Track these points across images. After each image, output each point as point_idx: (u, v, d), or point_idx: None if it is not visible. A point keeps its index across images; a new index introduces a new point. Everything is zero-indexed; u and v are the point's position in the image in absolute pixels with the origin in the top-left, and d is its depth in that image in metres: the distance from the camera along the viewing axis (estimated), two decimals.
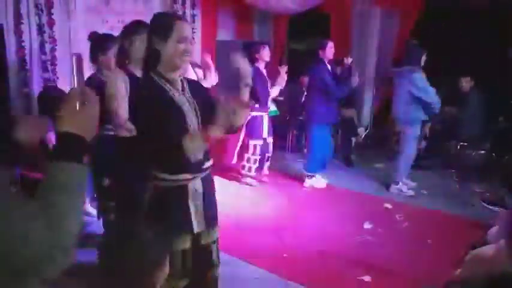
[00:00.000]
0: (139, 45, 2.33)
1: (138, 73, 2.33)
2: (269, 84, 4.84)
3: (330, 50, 4.67)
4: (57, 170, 0.93)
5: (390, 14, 6.41)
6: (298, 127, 6.26)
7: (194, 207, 1.91)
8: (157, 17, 1.89)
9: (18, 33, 4.22)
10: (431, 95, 4.44)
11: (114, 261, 2.04)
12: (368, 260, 3.30)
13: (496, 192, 4.65)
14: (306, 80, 6.14)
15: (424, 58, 4.52)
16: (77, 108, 0.96)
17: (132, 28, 2.42)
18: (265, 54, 4.76)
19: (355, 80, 4.56)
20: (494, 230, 2.27)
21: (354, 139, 6.38)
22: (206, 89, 2.12)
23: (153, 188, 1.91)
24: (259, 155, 4.84)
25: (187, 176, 1.88)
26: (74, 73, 0.96)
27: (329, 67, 4.73)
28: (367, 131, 6.70)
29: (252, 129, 4.79)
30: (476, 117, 5.30)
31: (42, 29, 4.35)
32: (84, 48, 4.58)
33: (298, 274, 3.09)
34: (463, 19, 5.78)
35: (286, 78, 4.76)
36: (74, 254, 0.91)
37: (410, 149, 4.71)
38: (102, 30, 4.65)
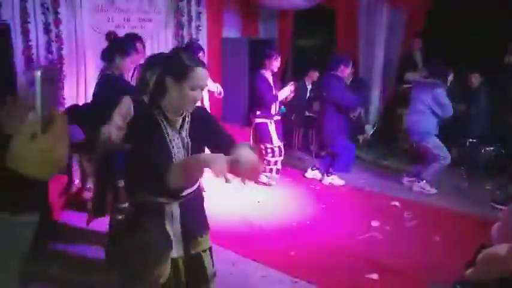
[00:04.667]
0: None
1: None
2: (274, 91, 4.69)
3: (349, 70, 4.91)
4: None
5: (398, 11, 6.36)
6: (305, 124, 6.23)
7: (172, 231, 1.84)
8: (175, 57, 1.76)
9: (25, 32, 4.24)
10: (449, 111, 4.50)
11: (120, 258, 2.02)
12: (376, 258, 3.27)
13: (506, 189, 4.60)
14: (314, 74, 6.12)
15: (450, 78, 4.58)
16: (33, 138, 0.68)
17: (158, 60, 2.32)
18: (275, 64, 4.63)
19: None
20: (496, 227, 2.22)
21: (361, 137, 6.36)
22: (213, 120, 2.00)
23: (131, 203, 1.88)
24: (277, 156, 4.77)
25: (163, 200, 1.83)
26: (37, 92, 0.70)
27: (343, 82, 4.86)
28: (375, 128, 6.66)
29: (261, 135, 4.72)
30: (486, 113, 5.24)
31: (49, 28, 4.37)
32: (90, 46, 4.65)
33: (305, 272, 3.07)
34: (472, 14, 5.73)
35: (291, 93, 4.79)
36: None
37: (443, 153, 4.62)
38: (108, 28, 4.68)
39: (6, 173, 0.67)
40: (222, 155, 1.62)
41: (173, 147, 1.78)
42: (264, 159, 4.73)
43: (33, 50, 4.32)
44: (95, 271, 2.84)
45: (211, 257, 2.00)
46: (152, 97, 1.77)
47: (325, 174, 5.00)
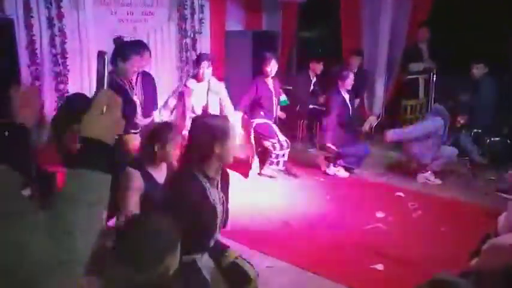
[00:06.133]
0: (168, 149, 2.30)
1: (157, 175, 2.32)
2: (274, 94, 4.79)
3: (349, 81, 4.93)
4: (75, 178, 0.85)
5: (403, 0, 6.30)
6: (309, 116, 6.21)
7: (209, 275, 1.98)
8: (216, 121, 1.94)
9: (29, 26, 4.24)
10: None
11: (128, 248, 2.05)
12: (380, 249, 3.29)
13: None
14: (318, 67, 6.09)
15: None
16: (103, 111, 0.90)
17: (164, 131, 2.34)
18: (271, 67, 4.67)
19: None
20: (502, 217, 2.22)
21: (364, 128, 6.33)
22: (229, 180, 2.17)
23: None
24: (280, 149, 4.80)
25: (197, 255, 1.98)
26: (106, 72, 0.90)
27: (346, 96, 4.96)
28: (379, 119, 6.62)
29: (265, 132, 4.76)
30: (490, 103, 5.21)
31: (52, 22, 4.36)
32: (93, 40, 4.64)
33: (311, 262, 3.10)
34: (480, 3, 5.67)
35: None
36: (79, 271, 0.82)
37: (445, 149, 4.71)
38: (111, 22, 4.67)
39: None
40: None
41: (215, 204, 1.94)
42: (272, 154, 4.77)
43: (37, 45, 4.32)
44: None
45: (243, 260, 2.17)
46: (196, 162, 1.90)
47: (332, 165, 5.02)
